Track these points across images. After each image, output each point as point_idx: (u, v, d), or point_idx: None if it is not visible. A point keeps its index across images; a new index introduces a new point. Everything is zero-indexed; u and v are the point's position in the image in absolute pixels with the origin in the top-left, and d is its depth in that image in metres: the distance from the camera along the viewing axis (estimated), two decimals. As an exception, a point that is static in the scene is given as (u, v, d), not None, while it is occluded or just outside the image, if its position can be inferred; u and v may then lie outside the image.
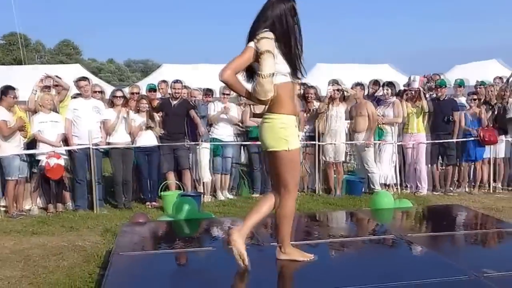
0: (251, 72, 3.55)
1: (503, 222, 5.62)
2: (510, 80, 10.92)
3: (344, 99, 9.06)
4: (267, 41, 3.42)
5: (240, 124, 8.93)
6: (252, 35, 3.51)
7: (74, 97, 8.43)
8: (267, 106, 3.62)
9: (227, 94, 8.75)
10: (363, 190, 8.99)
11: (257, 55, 3.41)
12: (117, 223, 6.77)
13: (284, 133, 3.51)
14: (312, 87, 9.38)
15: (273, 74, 3.41)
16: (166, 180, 8.26)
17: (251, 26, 3.56)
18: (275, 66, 3.43)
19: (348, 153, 10.07)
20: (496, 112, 9.26)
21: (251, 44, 3.45)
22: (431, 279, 3.46)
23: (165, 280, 3.61)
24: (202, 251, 4.41)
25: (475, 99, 9.15)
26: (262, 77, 3.38)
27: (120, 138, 8.04)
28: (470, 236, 4.96)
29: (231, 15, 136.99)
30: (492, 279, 3.36)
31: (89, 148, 7.74)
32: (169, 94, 8.77)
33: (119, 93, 8.28)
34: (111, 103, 8.22)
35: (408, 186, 9.29)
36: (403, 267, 3.83)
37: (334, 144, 8.86)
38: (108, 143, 8.05)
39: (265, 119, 3.59)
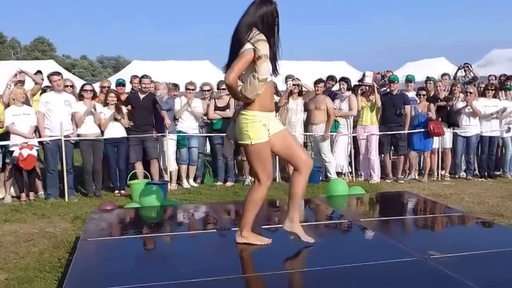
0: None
1: (449, 208, 5.72)
2: (457, 76, 11.14)
3: (301, 93, 9.09)
4: (264, 44, 3.41)
5: (204, 117, 8.94)
6: (237, 34, 3.47)
7: (44, 91, 8.29)
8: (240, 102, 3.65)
9: (192, 89, 8.73)
10: (320, 179, 9.02)
11: (255, 57, 3.39)
12: (87, 210, 6.64)
13: (246, 128, 3.51)
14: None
15: (266, 79, 3.42)
16: (134, 170, 8.16)
17: (236, 26, 3.52)
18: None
19: (306, 144, 10.09)
20: (448, 107, 9.38)
21: (249, 46, 3.39)
22: (381, 260, 3.50)
23: (130, 264, 3.57)
24: (167, 236, 4.38)
25: (424, 94, 9.27)
26: (258, 80, 3.38)
27: (90, 130, 7.91)
28: (418, 221, 5.03)
29: (197, 15, 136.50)
30: (437, 260, 3.41)
31: (60, 139, 7.61)
32: (138, 88, 8.67)
33: (88, 87, 8.14)
34: (80, 97, 8.06)
35: (362, 174, 9.39)
36: (355, 250, 3.86)
37: (294, 135, 8.87)
38: (78, 135, 7.91)
39: (240, 114, 3.60)
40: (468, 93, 9.21)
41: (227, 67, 3.56)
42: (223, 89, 8.97)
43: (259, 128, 3.53)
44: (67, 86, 8.22)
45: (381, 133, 9.14)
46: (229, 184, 8.87)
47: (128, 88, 9.36)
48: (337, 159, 9.11)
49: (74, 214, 6.71)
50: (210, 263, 3.51)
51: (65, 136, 7.62)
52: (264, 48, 3.39)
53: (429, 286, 3.01)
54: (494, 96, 9.45)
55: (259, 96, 3.45)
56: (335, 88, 9.64)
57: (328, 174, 9.03)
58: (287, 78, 9.25)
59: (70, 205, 7.30)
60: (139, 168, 8.27)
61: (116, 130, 8.10)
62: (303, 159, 3.75)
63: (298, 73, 10.11)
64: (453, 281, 3.07)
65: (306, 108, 9.12)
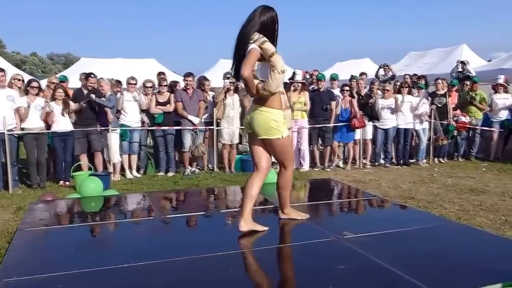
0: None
1: (366, 192, 5.88)
2: (378, 74, 11.44)
3: (237, 90, 9.10)
4: (269, 44, 3.49)
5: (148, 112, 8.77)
6: (243, 38, 3.52)
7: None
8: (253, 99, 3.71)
9: (134, 84, 8.56)
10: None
11: (262, 56, 3.48)
12: (30, 201, 6.39)
13: (276, 125, 3.61)
14: (207, 79, 9.41)
15: (284, 70, 3.55)
16: (79, 162, 7.92)
17: (240, 30, 3.57)
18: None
19: (242, 136, 10.12)
20: (370, 102, 9.59)
21: (253, 46, 3.46)
22: (301, 241, 3.56)
23: (65, 252, 3.43)
24: (103, 224, 4.25)
25: (347, 90, 9.46)
26: (278, 73, 3.46)
27: (34, 124, 7.59)
28: (338, 205, 5.12)
29: (143, 15, 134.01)
30: (350, 240, 3.48)
31: (3, 133, 7.27)
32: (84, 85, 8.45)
33: (34, 84, 7.80)
34: (26, 92, 7.74)
35: (294, 163, 9.47)
36: (279, 233, 3.91)
37: (230, 128, 8.89)
38: (23, 129, 7.58)
39: (259, 111, 3.63)
40: (386, 91, 9.52)
41: (235, 68, 3.65)
42: (164, 85, 8.85)
43: (284, 123, 3.69)
44: (17, 79, 8.02)
45: (310, 126, 9.27)
46: (170, 174, 8.76)
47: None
48: (270, 150, 9.16)
49: (17, 205, 6.43)
50: (146, 249, 3.44)
51: (8, 130, 7.30)
52: (271, 46, 3.50)
53: (340, 263, 3.07)
54: (409, 93, 9.78)
55: (279, 90, 3.59)
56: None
57: (262, 164, 9.07)
58: (225, 75, 9.25)
59: (14, 197, 7.01)
60: (83, 160, 8.03)
61: (64, 124, 7.83)
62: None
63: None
64: (361, 257, 3.15)
65: (242, 104, 9.13)
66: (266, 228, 3.76)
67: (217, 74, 12.54)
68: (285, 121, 3.70)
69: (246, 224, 3.73)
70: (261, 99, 3.61)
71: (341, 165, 9.70)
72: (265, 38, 3.49)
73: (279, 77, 3.50)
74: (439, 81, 10.26)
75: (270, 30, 3.58)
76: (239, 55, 3.56)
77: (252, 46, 3.47)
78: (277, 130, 3.62)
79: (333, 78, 10.15)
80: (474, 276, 2.80)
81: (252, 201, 3.76)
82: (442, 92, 10.14)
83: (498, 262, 3.02)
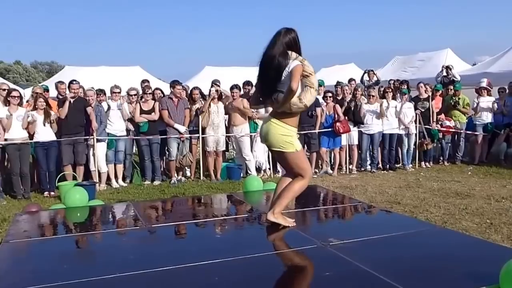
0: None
1: (351, 199, 5.91)
2: (363, 80, 11.55)
3: (221, 97, 9.14)
4: (308, 62, 3.72)
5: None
6: (270, 60, 3.67)
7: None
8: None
9: (118, 92, 8.56)
10: (241, 175, 9.07)
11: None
12: (15, 213, 6.32)
13: (291, 139, 3.80)
14: (196, 88, 9.44)
15: (317, 90, 3.85)
16: (64, 172, 7.87)
17: (265, 53, 3.73)
18: None
19: (229, 144, 10.16)
20: (352, 107, 9.67)
21: (297, 62, 3.63)
22: (286, 249, 3.61)
23: (49, 263, 3.41)
24: (88, 235, 4.22)
25: (330, 96, 9.52)
26: (315, 90, 3.75)
27: (17, 134, 7.55)
28: (323, 211, 5.15)
29: (128, 22, 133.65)
30: (336, 246, 3.50)
31: (-14, 145, 7.23)
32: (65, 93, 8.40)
33: (15, 93, 7.75)
34: (7, 102, 7.68)
35: (280, 170, 9.50)
36: (264, 240, 3.93)
37: (215, 135, 8.91)
38: (6, 139, 7.52)
39: (275, 124, 3.80)
40: (371, 96, 9.61)
41: (265, 88, 3.82)
42: (149, 93, 8.84)
43: (297, 138, 3.90)
44: (3, 90, 7.99)
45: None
46: (156, 183, 8.74)
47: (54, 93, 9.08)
48: (257, 157, 9.21)
49: (1, 217, 6.36)
50: (132, 259, 3.44)
51: (-8, 142, 7.25)
52: (310, 65, 3.73)
53: (326, 269, 3.09)
54: (393, 98, 9.88)
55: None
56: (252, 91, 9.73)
57: (248, 171, 9.11)
58: (214, 82, 9.36)
59: (-2, 208, 6.92)
60: (69, 170, 7.98)
61: (46, 134, 7.79)
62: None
63: (224, 79, 10.31)
64: (346, 264, 3.18)
65: (227, 112, 9.16)
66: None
67: (203, 81, 12.58)
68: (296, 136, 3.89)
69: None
70: (280, 114, 3.76)
71: (329, 171, 9.71)
72: (300, 57, 3.69)
73: (314, 94, 3.75)
74: (421, 85, 10.39)
75: (294, 51, 3.74)
76: (268, 77, 3.74)
77: (296, 62, 3.63)
78: (290, 144, 3.79)
79: (320, 84, 10.21)
80: (458, 280, 2.84)
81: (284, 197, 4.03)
82: (425, 96, 10.26)
83: (482, 266, 3.06)
